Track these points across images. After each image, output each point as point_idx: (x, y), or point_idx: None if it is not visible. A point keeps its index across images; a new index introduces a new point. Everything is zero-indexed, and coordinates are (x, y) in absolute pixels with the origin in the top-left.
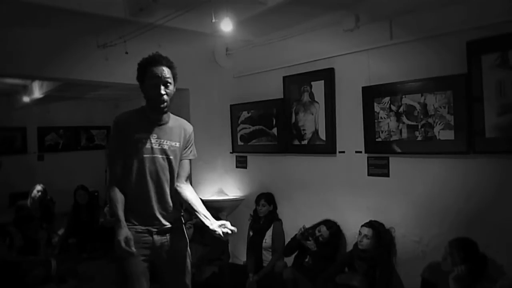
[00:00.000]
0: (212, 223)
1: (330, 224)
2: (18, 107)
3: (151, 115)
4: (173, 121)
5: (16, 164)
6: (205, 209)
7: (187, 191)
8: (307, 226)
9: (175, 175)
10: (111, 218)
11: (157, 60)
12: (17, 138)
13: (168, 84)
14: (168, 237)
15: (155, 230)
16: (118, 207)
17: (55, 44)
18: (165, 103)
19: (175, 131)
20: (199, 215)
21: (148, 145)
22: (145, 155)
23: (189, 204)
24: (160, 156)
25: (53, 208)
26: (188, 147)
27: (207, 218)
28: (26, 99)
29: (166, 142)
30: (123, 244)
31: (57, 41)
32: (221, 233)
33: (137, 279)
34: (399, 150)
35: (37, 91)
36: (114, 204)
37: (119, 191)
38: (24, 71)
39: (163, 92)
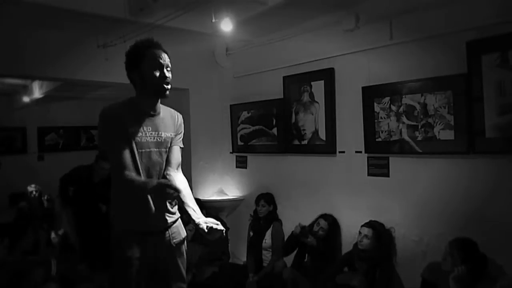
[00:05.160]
0: (199, 217)
1: (327, 217)
2: (18, 107)
3: (145, 106)
4: (164, 111)
5: (16, 164)
6: (194, 202)
7: (177, 180)
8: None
9: None
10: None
11: (156, 44)
12: (17, 138)
13: (169, 69)
14: (165, 236)
15: (153, 230)
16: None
17: (55, 44)
18: (169, 87)
19: (168, 121)
20: (186, 208)
21: (143, 139)
22: (140, 150)
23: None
24: (156, 149)
25: (53, 207)
26: (179, 134)
27: (194, 211)
28: (26, 99)
29: (161, 134)
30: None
31: (57, 41)
32: (205, 228)
33: (138, 284)
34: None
35: (37, 91)
36: (139, 179)
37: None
38: (24, 71)
39: (168, 74)
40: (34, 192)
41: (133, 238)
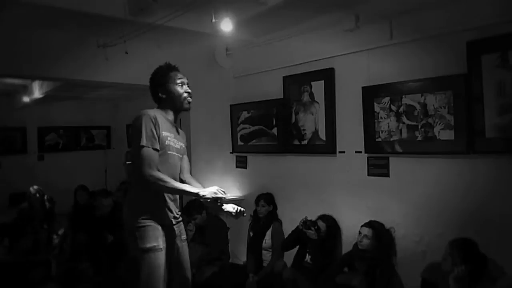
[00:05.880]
0: (224, 205)
1: (326, 218)
2: (18, 107)
3: (171, 117)
4: None
5: (16, 164)
6: None
7: (194, 182)
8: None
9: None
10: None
11: (175, 67)
12: (17, 138)
13: (189, 85)
14: (176, 230)
15: (175, 222)
16: (179, 184)
17: (55, 44)
18: (190, 103)
19: (181, 134)
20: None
21: (172, 143)
22: (169, 152)
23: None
24: (177, 154)
25: (53, 208)
26: (185, 146)
27: None
28: (26, 99)
29: (179, 143)
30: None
31: (57, 41)
32: (230, 210)
33: (163, 271)
34: (400, 150)
35: (37, 91)
36: (173, 184)
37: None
38: (24, 71)
39: (190, 90)
40: (36, 194)
41: (156, 230)
